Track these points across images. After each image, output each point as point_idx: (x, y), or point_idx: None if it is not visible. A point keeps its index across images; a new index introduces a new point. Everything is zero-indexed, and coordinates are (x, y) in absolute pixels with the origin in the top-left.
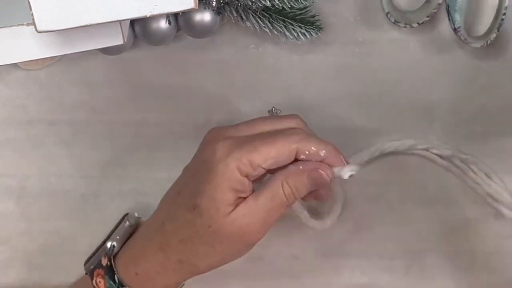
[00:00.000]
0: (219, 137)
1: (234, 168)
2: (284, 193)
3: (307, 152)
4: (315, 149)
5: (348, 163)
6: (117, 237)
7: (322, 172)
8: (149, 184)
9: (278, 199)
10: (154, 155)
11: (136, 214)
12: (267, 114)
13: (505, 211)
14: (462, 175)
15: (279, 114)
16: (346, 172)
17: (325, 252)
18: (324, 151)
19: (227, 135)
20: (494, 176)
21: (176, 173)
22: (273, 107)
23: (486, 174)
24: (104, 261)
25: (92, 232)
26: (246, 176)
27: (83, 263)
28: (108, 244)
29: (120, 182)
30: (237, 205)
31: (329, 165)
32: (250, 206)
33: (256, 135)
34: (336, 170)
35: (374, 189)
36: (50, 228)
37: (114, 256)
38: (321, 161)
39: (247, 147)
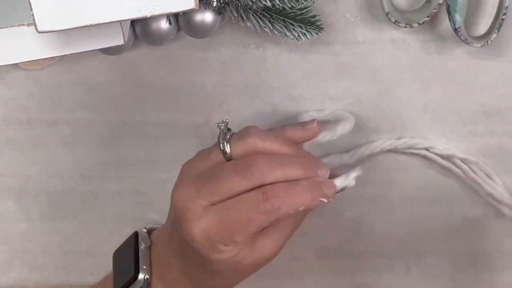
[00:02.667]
0: (191, 215)
1: (221, 248)
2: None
3: (286, 216)
4: (293, 211)
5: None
6: (144, 266)
7: (325, 200)
8: (149, 184)
9: (298, 221)
10: (154, 155)
11: (144, 230)
12: (220, 128)
13: (505, 210)
14: (462, 175)
15: (226, 127)
16: (351, 181)
17: (325, 252)
18: (302, 207)
19: (197, 209)
20: (494, 176)
21: (176, 173)
22: (223, 120)
23: (486, 174)
24: None
25: (92, 232)
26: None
27: (83, 263)
28: (141, 277)
29: (120, 182)
30: (255, 239)
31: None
32: (271, 237)
33: (229, 210)
34: (338, 183)
35: (374, 189)
36: (50, 228)
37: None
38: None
39: (226, 232)
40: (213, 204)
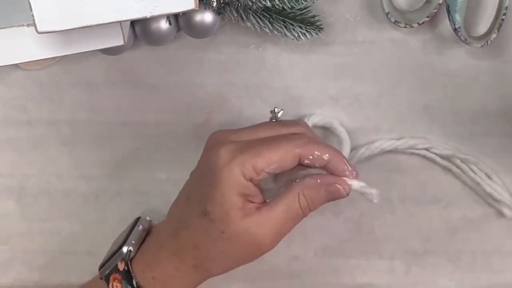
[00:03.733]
0: (222, 141)
1: (238, 173)
2: (300, 205)
3: (310, 157)
4: (318, 153)
5: (351, 167)
6: (133, 241)
7: (340, 187)
8: (149, 184)
9: (293, 210)
10: (154, 155)
11: (148, 218)
12: (270, 114)
13: (505, 210)
14: (462, 175)
15: (280, 114)
16: (374, 196)
17: (325, 252)
18: (327, 155)
19: (230, 139)
20: (494, 176)
21: (176, 173)
22: (275, 107)
23: (486, 174)
24: (121, 266)
25: (92, 232)
26: (251, 181)
27: (83, 263)
28: (125, 249)
29: (120, 182)
30: (249, 212)
31: (338, 175)
32: (264, 216)
33: (259, 139)
34: (356, 186)
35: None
36: (50, 228)
37: (131, 261)
38: (324, 165)
39: (250, 152)
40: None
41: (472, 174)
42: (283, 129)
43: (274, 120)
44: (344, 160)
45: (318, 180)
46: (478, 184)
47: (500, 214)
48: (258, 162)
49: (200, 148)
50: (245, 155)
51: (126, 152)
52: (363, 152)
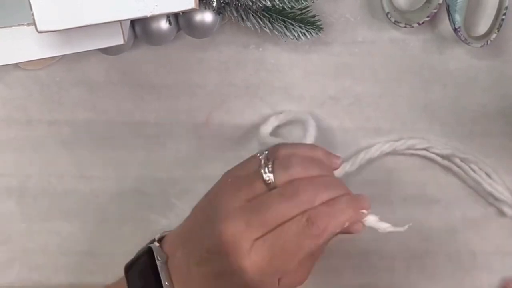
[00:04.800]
0: (240, 249)
1: (272, 280)
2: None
3: (332, 236)
4: (338, 230)
5: (369, 206)
6: (166, 283)
7: (365, 212)
8: (149, 184)
9: (318, 254)
10: (154, 155)
11: (156, 244)
12: (261, 159)
13: (506, 209)
14: (462, 174)
15: (267, 157)
16: (385, 228)
17: (325, 252)
18: (347, 223)
19: (246, 242)
20: (494, 175)
21: (176, 173)
22: (258, 154)
23: (486, 174)
24: None
25: (92, 232)
26: None
27: (83, 263)
28: None
29: (120, 182)
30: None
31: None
32: (297, 274)
33: (278, 241)
34: (370, 222)
35: (374, 189)
36: (50, 228)
37: None
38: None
39: (277, 262)
40: (262, 236)
41: (472, 173)
42: (290, 208)
43: (264, 166)
44: (362, 211)
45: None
46: (478, 183)
47: (500, 213)
48: (289, 266)
49: (200, 148)
50: (273, 265)
51: (126, 152)
52: (362, 156)
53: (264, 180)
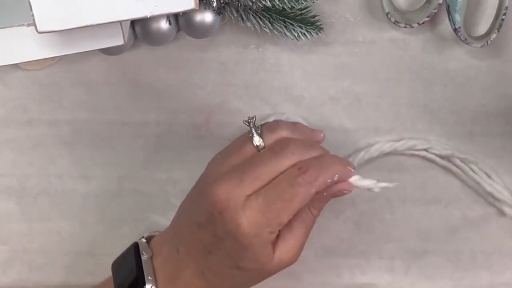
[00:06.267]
0: (234, 205)
1: (267, 234)
2: (313, 216)
3: (324, 187)
4: (330, 181)
5: (354, 167)
6: (149, 277)
7: (346, 191)
8: (149, 184)
9: (310, 223)
10: (154, 155)
11: (144, 240)
12: (247, 125)
13: (506, 209)
14: (462, 174)
15: (254, 123)
16: (376, 186)
17: (325, 252)
18: (336, 175)
19: (240, 198)
20: (494, 175)
21: (176, 173)
22: (248, 117)
23: (486, 174)
24: None
25: (92, 232)
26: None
27: (83, 263)
28: None
29: (120, 182)
30: (274, 244)
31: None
32: (289, 242)
33: (272, 192)
34: (356, 181)
35: None
36: (50, 228)
37: None
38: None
39: (272, 213)
40: (255, 192)
41: (471, 173)
42: (281, 161)
43: (254, 130)
44: (348, 167)
45: (325, 194)
46: (478, 183)
47: (500, 213)
48: (283, 218)
49: (200, 148)
50: (268, 217)
51: (126, 152)
52: (362, 155)
53: (253, 144)
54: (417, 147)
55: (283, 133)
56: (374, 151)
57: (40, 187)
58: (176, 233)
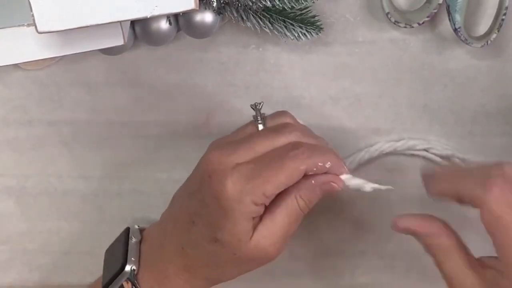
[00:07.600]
0: (223, 168)
1: (249, 202)
2: (299, 207)
3: (314, 169)
4: (321, 164)
5: (347, 168)
6: (132, 258)
7: (334, 184)
8: (149, 184)
9: (294, 213)
10: (154, 155)
11: (136, 227)
12: (254, 111)
13: None
14: None
15: (261, 109)
16: (368, 185)
17: (325, 252)
18: (329, 163)
19: (230, 164)
20: None
21: (176, 173)
22: (255, 102)
23: None
24: (128, 286)
25: (92, 232)
26: (261, 205)
27: (83, 263)
28: (128, 268)
29: (120, 182)
30: (255, 227)
31: (336, 174)
32: (269, 228)
33: (262, 162)
34: (348, 180)
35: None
36: (50, 228)
37: (136, 278)
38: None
39: (257, 180)
40: (247, 161)
41: None
42: (277, 137)
43: (259, 117)
44: (342, 163)
45: (313, 181)
46: None
47: None
48: (268, 188)
49: (200, 148)
50: (253, 184)
51: (126, 152)
52: (362, 155)
53: (255, 125)
54: (417, 147)
55: (287, 120)
56: (374, 151)
57: (40, 187)
58: (168, 217)
